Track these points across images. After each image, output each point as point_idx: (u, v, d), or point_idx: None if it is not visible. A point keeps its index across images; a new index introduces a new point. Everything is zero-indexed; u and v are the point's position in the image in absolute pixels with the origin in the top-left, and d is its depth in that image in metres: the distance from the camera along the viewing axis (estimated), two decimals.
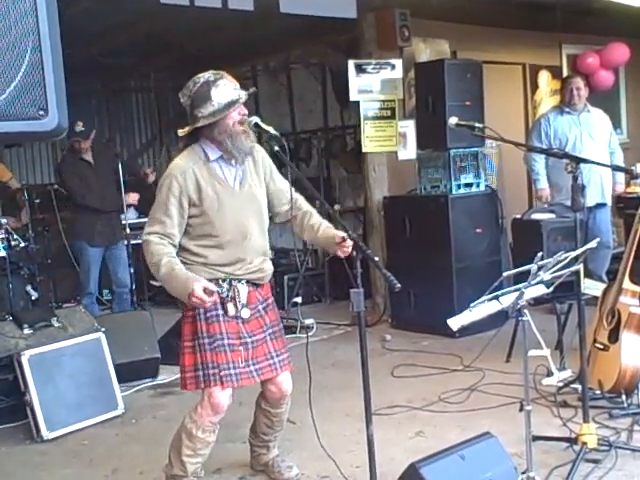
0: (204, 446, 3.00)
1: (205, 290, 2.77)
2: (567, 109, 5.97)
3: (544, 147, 5.78)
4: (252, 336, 2.98)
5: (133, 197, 6.04)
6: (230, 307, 2.94)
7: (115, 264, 6.01)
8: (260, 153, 3.09)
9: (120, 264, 5.99)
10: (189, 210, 2.90)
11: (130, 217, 7.37)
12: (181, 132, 2.97)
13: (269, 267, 3.12)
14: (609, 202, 6.10)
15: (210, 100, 2.83)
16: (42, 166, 9.04)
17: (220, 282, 2.94)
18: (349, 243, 2.84)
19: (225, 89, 2.85)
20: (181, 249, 2.95)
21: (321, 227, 3.07)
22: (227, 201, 2.93)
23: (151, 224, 2.91)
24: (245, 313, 2.97)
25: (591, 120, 5.96)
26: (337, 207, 7.14)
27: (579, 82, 5.97)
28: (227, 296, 2.95)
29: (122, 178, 5.81)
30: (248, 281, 3.01)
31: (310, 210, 3.15)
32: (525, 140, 7.21)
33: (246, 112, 2.93)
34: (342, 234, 2.90)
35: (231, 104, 2.84)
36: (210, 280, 2.89)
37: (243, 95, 2.88)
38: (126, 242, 5.97)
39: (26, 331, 4.29)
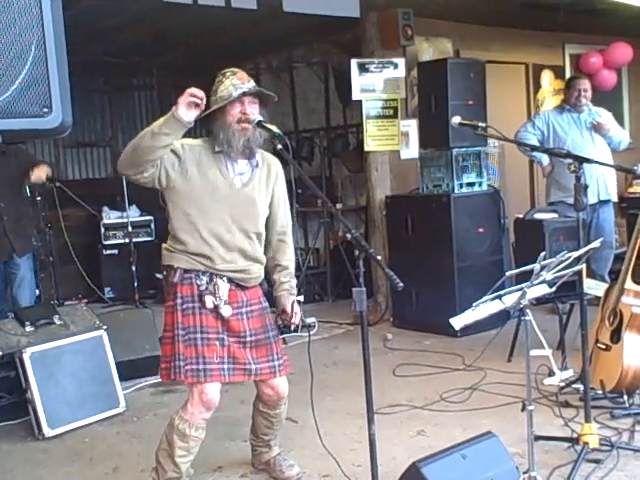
0: (196, 444, 3.00)
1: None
2: (568, 108, 5.95)
3: (540, 144, 5.79)
4: (230, 336, 2.95)
5: (39, 173, 5.09)
6: (208, 300, 2.92)
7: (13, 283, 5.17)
8: (276, 168, 3.10)
9: (19, 285, 5.17)
10: (181, 180, 2.88)
11: (132, 215, 7.39)
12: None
13: (256, 271, 3.07)
14: (614, 198, 6.06)
15: (215, 93, 2.96)
16: None
17: (200, 275, 2.94)
18: (295, 320, 3.05)
19: (228, 85, 2.93)
20: (170, 237, 2.99)
21: (280, 287, 3.15)
22: (223, 190, 2.94)
23: None
24: (226, 311, 2.94)
25: (592, 119, 5.94)
26: (339, 206, 7.15)
27: (587, 83, 5.92)
28: (206, 289, 2.94)
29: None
30: (230, 279, 2.99)
31: (288, 264, 3.17)
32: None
33: (247, 111, 2.91)
34: (288, 308, 3.06)
35: (222, 99, 2.92)
36: (190, 271, 2.92)
37: (236, 94, 2.90)
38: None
39: (28, 328, 4.29)
